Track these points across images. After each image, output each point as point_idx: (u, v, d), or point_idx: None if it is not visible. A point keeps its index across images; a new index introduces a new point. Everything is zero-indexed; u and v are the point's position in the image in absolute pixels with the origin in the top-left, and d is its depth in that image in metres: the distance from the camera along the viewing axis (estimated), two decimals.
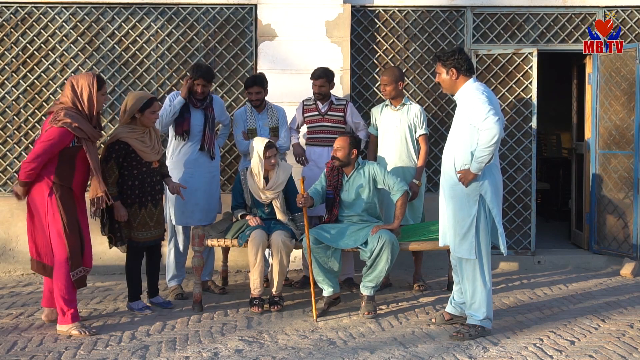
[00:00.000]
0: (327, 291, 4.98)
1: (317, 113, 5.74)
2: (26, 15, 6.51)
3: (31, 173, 4.41)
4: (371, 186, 5.14)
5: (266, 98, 5.71)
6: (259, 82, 5.58)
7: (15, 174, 6.52)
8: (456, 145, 4.37)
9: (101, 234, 4.97)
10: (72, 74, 6.47)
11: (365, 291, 4.95)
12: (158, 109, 4.95)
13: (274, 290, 5.06)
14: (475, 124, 4.21)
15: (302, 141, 5.90)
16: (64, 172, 4.47)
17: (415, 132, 5.62)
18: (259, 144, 5.13)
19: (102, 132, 4.91)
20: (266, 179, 5.19)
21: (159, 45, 6.55)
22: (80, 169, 4.57)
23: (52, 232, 4.44)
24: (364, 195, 5.14)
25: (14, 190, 4.55)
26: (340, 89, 6.37)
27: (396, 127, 5.61)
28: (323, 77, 5.66)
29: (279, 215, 5.21)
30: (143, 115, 4.83)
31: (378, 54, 6.66)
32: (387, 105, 5.70)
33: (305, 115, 5.79)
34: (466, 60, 4.37)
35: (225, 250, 5.90)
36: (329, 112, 5.72)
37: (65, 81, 6.44)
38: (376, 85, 6.63)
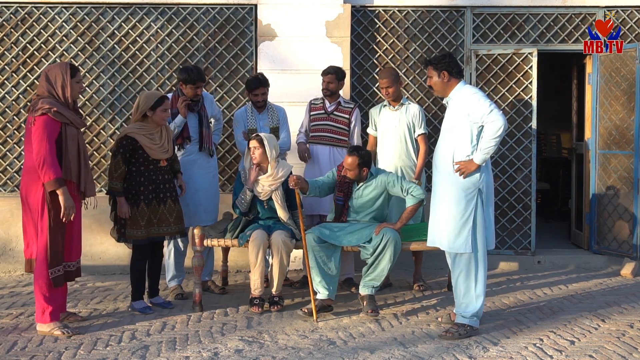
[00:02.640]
0: (321, 294, 4.91)
1: (323, 112, 5.74)
2: (26, 15, 6.51)
3: (52, 170, 4.30)
4: (384, 195, 5.11)
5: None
6: (264, 83, 5.60)
7: (15, 174, 6.53)
8: (454, 141, 4.43)
9: (110, 234, 5.06)
10: None
11: (366, 290, 4.91)
12: (168, 106, 5.01)
13: (274, 290, 5.06)
14: (478, 119, 4.33)
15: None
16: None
17: (414, 131, 5.63)
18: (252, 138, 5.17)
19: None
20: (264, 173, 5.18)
21: (159, 45, 6.55)
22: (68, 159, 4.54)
23: (40, 226, 4.39)
24: (374, 204, 5.12)
25: (61, 198, 4.36)
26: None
27: (395, 127, 5.61)
28: (332, 73, 5.67)
29: (280, 212, 5.18)
30: (155, 113, 4.91)
31: (378, 54, 6.66)
32: (385, 105, 5.70)
33: (312, 113, 5.79)
34: (456, 64, 4.56)
35: (225, 250, 5.90)
36: (335, 112, 5.71)
37: None
38: (376, 85, 6.63)
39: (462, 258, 4.43)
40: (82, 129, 4.66)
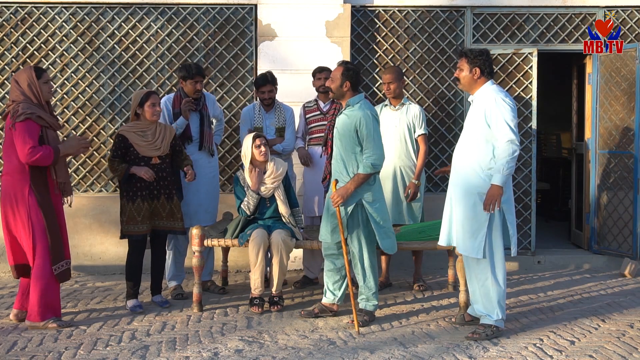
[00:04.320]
0: (327, 298, 4.88)
1: (318, 112, 5.73)
2: (26, 15, 6.51)
3: (46, 152, 4.44)
4: (353, 136, 4.55)
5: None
6: (270, 81, 5.60)
7: None
8: (476, 145, 4.36)
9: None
10: (72, 74, 6.50)
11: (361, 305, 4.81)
12: (157, 101, 5.05)
13: (274, 290, 5.05)
14: (495, 133, 4.26)
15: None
16: (37, 167, 4.52)
17: (415, 132, 5.62)
18: (247, 138, 5.15)
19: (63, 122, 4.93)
20: (264, 173, 5.17)
21: (159, 45, 6.55)
22: None
23: (36, 227, 4.47)
24: (341, 139, 4.61)
25: (68, 151, 4.64)
26: None
27: (395, 127, 5.61)
28: (329, 70, 5.65)
29: (281, 208, 5.16)
30: (143, 109, 5.02)
31: (378, 54, 6.66)
32: (386, 105, 5.70)
33: (307, 116, 5.78)
34: (490, 64, 4.45)
35: (225, 250, 5.90)
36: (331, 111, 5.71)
37: (65, 81, 6.48)
38: (376, 85, 6.63)
39: (477, 262, 4.38)
40: (57, 131, 4.77)
